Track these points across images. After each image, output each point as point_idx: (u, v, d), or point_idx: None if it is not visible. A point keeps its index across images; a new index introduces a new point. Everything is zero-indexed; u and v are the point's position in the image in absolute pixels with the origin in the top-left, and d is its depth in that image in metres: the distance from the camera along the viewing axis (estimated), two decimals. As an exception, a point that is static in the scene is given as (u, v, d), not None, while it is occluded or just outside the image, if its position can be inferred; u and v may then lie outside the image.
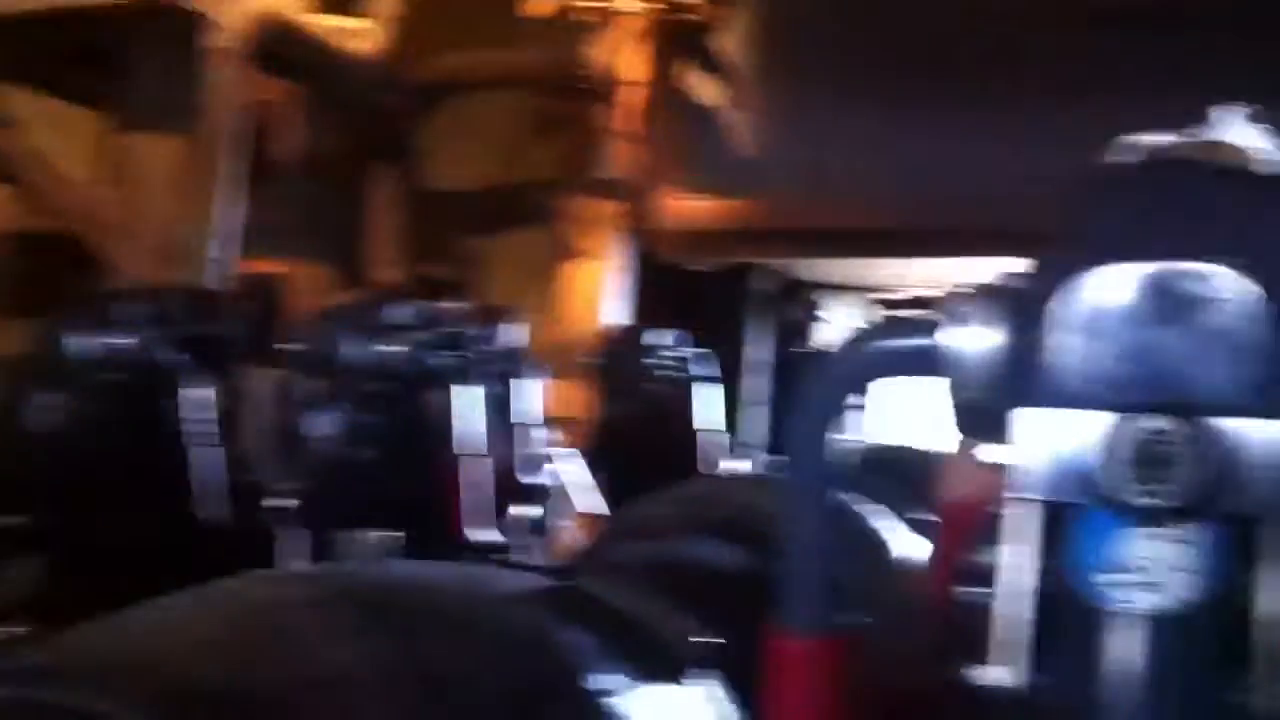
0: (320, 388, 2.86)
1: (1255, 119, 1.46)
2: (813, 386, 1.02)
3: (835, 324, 8.80)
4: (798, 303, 8.19)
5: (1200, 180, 1.00)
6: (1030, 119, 6.10)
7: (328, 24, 6.45)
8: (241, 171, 5.70)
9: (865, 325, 1.08)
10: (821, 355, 1.07)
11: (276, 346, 2.97)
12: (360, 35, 6.52)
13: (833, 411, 1.03)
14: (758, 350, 8.43)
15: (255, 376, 3.26)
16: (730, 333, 7.86)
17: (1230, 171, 1.27)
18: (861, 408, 8.71)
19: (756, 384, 8.31)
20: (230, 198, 5.60)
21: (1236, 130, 1.44)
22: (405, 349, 2.90)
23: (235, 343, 3.50)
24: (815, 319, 7.99)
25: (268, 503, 2.93)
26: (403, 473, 2.85)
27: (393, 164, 7.69)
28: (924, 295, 8.94)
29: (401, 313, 2.97)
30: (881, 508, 2.64)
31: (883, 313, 9.53)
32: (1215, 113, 1.45)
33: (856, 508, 2.56)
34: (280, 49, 5.89)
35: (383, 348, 2.89)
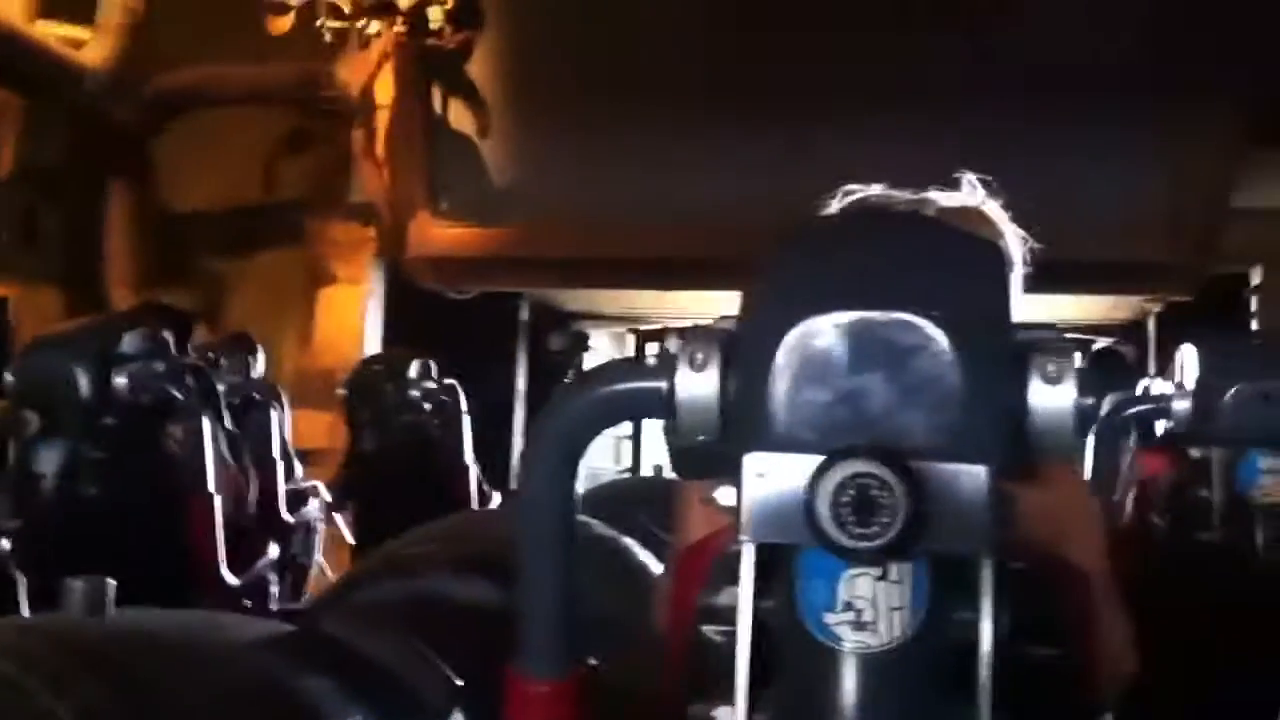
0: (45, 420, 2.70)
1: (980, 183, 1.57)
2: (544, 428, 1.03)
3: (598, 353, 8.89)
4: (559, 331, 8.23)
5: (900, 231, 1.06)
6: (778, 151, 6.33)
7: (52, 32, 6.11)
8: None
9: (594, 367, 1.09)
10: (555, 395, 1.06)
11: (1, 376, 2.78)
12: (89, 44, 6.20)
13: (564, 448, 1.03)
14: (520, 381, 8.44)
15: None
16: (491, 362, 7.84)
17: (928, 223, 1.35)
18: (630, 437, 8.84)
19: (522, 414, 8.31)
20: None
21: (964, 191, 1.54)
22: (141, 378, 2.76)
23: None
24: (579, 349, 8.05)
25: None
26: (135, 512, 2.72)
27: (127, 180, 7.33)
28: (679, 325, 9.15)
29: (137, 339, 2.82)
30: (637, 540, 2.66)
31: (640, 343, 9.70)
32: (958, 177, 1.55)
33: (610, 540, 2.58)
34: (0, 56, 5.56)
35: (116, 378, 2.75)
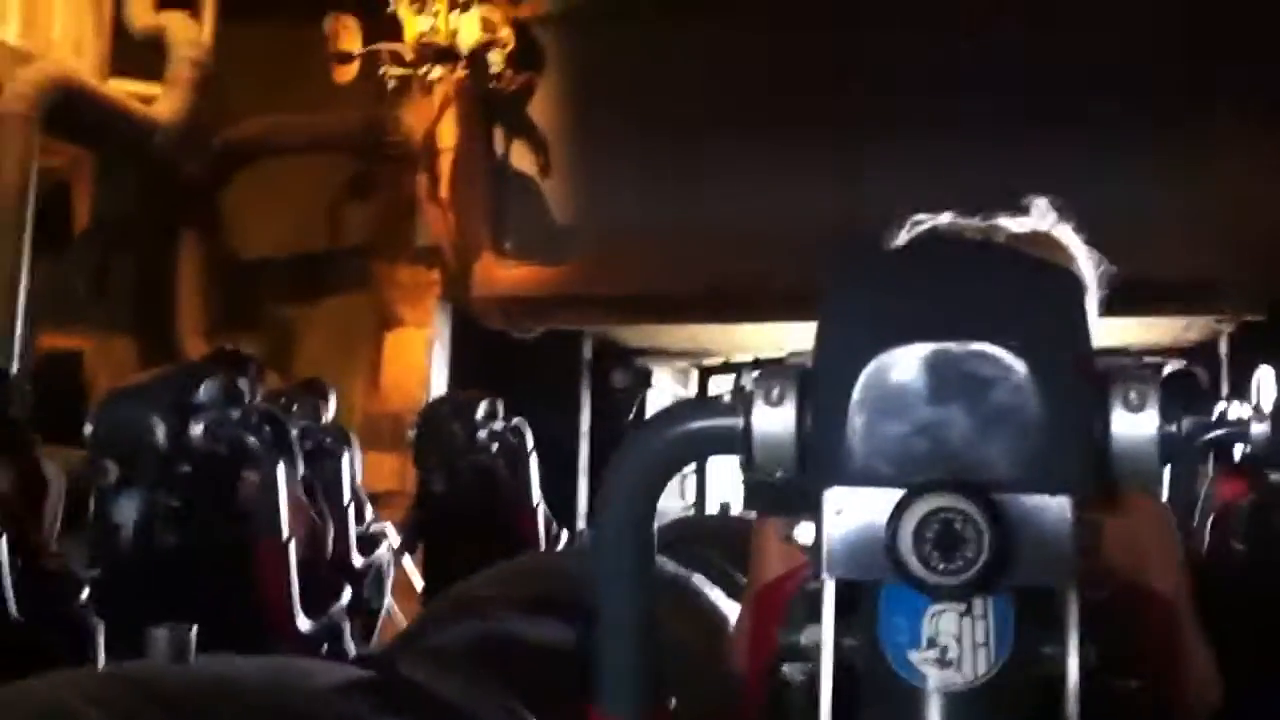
0: (123, 469, 2.74)
1: (1051, 206, 1.55)
2: (618, 470, 1.02)
3: (661, 389, 8.90)
4: (622, 368, 8.25)
5: (975, 260, 1.05)
6: (836, 185, 6.32)
7: (123, 88, 6.27)
8: (30, 240, 5.47)
9: (670, 405, 1.10)
10: (628, 434, 1.06)
11: (78, 424, 2.83)
12: (159, 100, 6.36)
13: (640, 489, 1.03)
14: (584, 419, 8.45)
15: (53, 458, 3.12)
16: (558, 401, 7.86)
17: (1002, 251, 1.34)
18: (696, 474, 8.83)
19: (587, 453, 8.32)
20: (18, 268, 5.36)
21: (1034, 216, 1.52)
22: (216, 427, 2.80)
23: (26, 423, 3.34)
24: (641, 386, 8.06)
25: (69, 593, 2.80)
26: (211, 559, 2.75)
27: (197, 231, 7.49)
28: (741, 361, 9.13)
29: (212, 388, 2.86)
30: (706, 578, 2.65)
31: (702, 379, 9.68)
32: (1024, 199, 1.54)
33: (680, 578, 2.57)
34: (71, 113, 5.70)
35: (192, 427, 2.79)
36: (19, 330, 5.33)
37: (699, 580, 2.58)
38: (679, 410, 1.02)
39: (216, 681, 1.44)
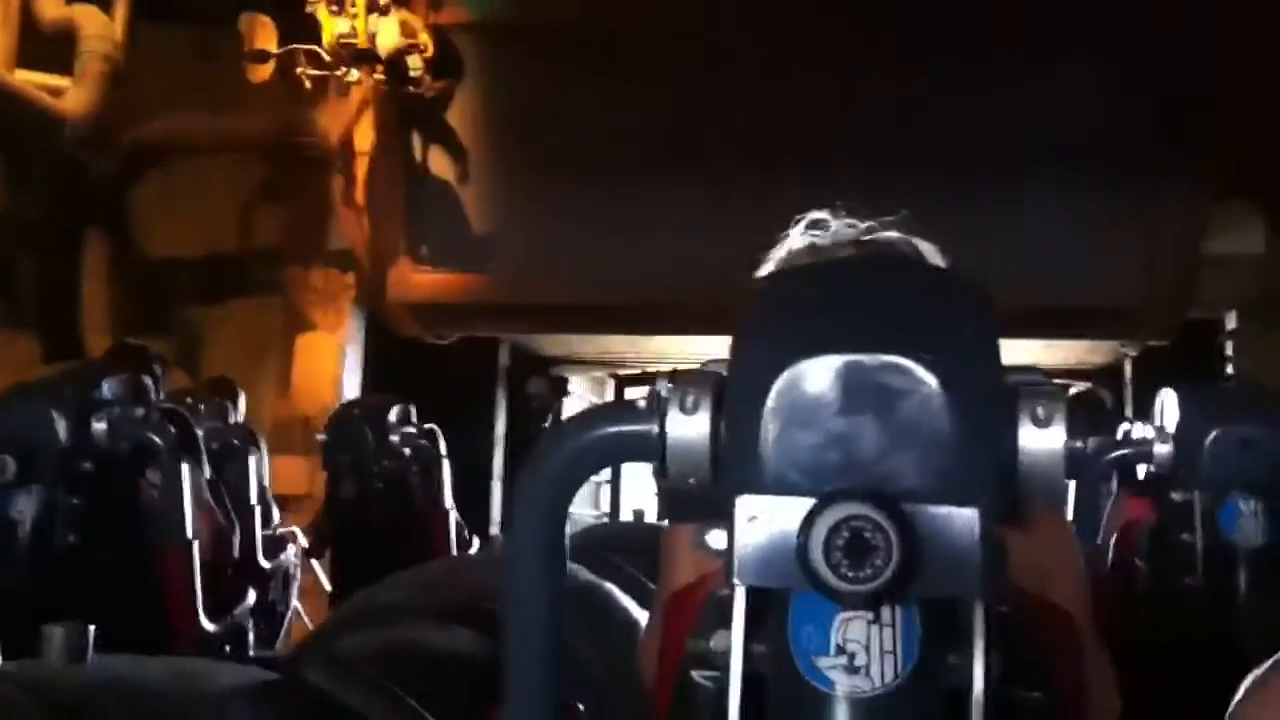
0: (22, 466, 2.67)
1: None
2: (531, 473, 1.02)
3: (577, 398, 8.90)
4: (538, 376, 8.23)
5: (885, 275, 1.06)
6: (748, 204, 6.37)
7: (30, 80, 6.10)
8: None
9: (583, 410, 1.09)
10: (538, 441, 1.06)
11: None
12: (68, 93, 6.20)
13: (552, 494, 1.02)
14: (500, 426, 8.42)
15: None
16: (473, 408, 7.82)
17: (916, 265, 1.36)
18: (609, 482, 8.82)
19: (501, 459, 8.29)
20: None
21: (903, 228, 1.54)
22: (119, 424, 2.74)
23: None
24: (558, 394, 8.05)
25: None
26: (112, 558, 2.69)
27: (104, 229, 7.32)
28: (657, 371, 9.17)
29: (115, 385, 2.80)
30: (618, 585, 2.65)
31: (619, 388, 9.70)
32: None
33: (592, 586, 2.57)
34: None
35: (94, 424, 2.72)
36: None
37: (610, 588, 2.58)
38: (593, 415, 1.02)
39: (113, 682, 1.41)
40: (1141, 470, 2.52)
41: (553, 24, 6.85)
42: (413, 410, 4.59)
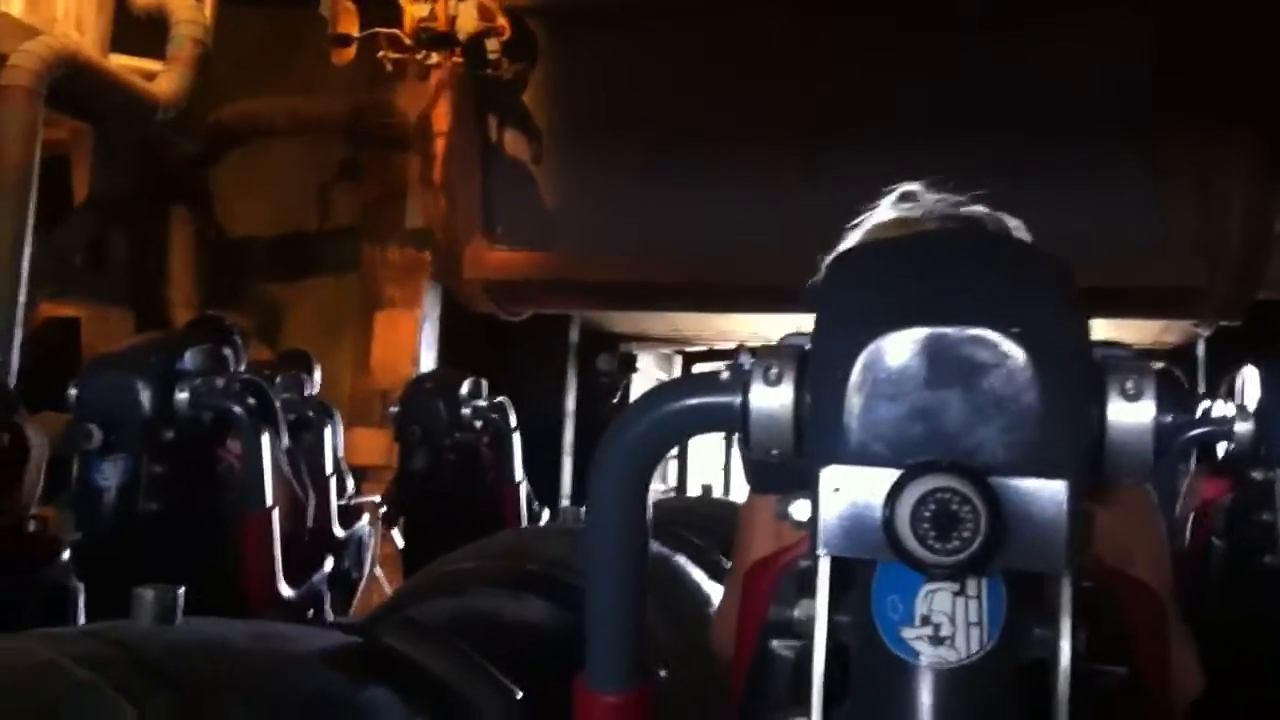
0: (107, 435, 2.73)
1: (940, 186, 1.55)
2: (614, 442, 1.03)
3: (645, 375, 8.92)
4: (608, 353, 8.27)
5: (971, 248, 1.06)
6: (818, 185, 6.34)
7: (125, 64, 6.24)
8: (32, 211, 5.45)
9: (666, 381, 1.10)
10: (623, 410, 1.06)
11: (66, 391, 2.82)
12: (160, 77, 6.33)
13: (635, 462, 1.03)
14: (569, 401, 8.48)
15: (41, 422, 3.10)
16: (542, 384, 7.88)
17: (997, 240, 1.35)
18: (677, 457, 8.85)
19: (571, 434, 8.36)
20: (22, 238, 5.35)
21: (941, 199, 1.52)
22: (201, 394, 2.79)
23: (21, 386, 3.31)
24: (626, 370, 8.08)
25: (49, 557, 2.79)
26: (194, 525, 2.74)
27: (189, 207, 7.49)
28: (723, 348, 9.17)
29: (198, 356, 2.85)
30: (690, 559, 2.66)
31: (686, 365, 9.70)
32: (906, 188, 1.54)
33: (666, 560, 2.58)
34: (73, 88, 5.68)
35: (177, 393, 2.77)
36: (21, 298, 5.31)
37: (680, 560, 2.59)
38: (678, 386, 1.03)
39: (201, 643, 1.45)
40: (1221, 448, 2.49)
41: (623, 5, 6.86)
42: (484, 384, 4.63)
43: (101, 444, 2.71)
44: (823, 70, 6.54)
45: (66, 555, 2.92)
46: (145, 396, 2.75)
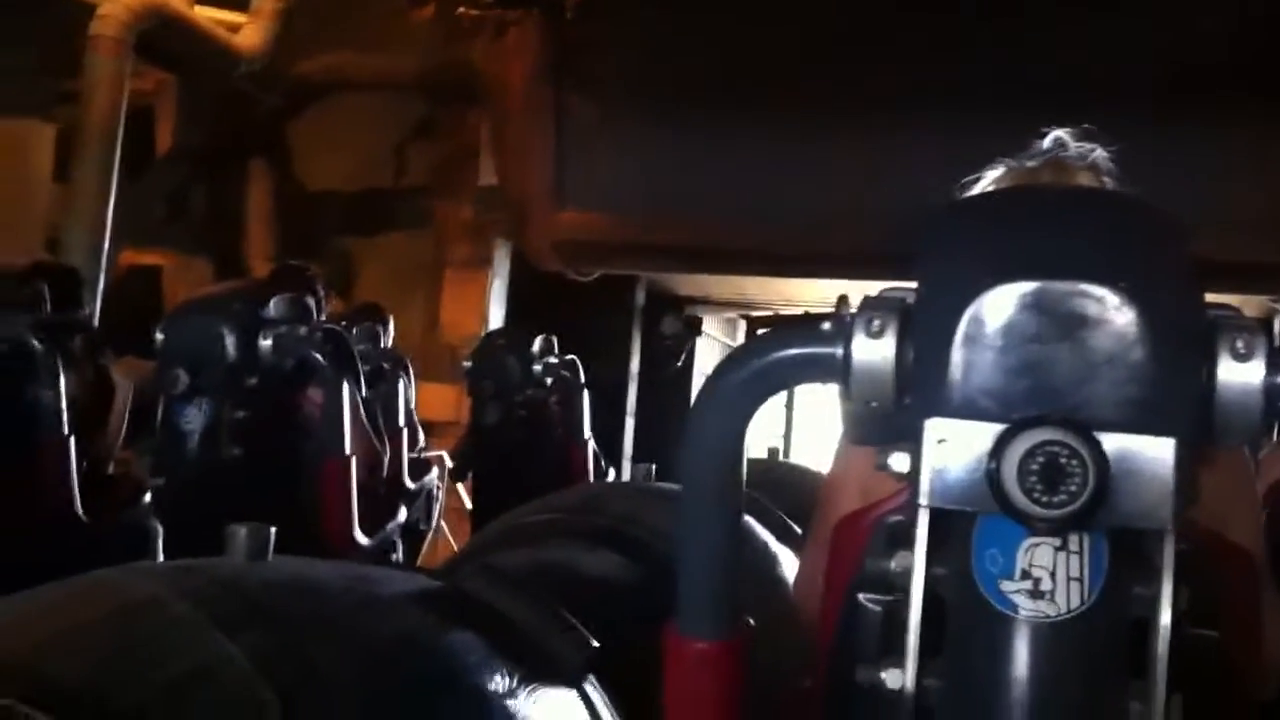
0: (192, 379, 2.78)
1: (1089, 138, 1.54)
2: (714, 389, 1.03)
3: (709, 339, 8.92)
4: (672, 315, 8.27)
5: (1080, 203, 1.05)
6: (887, 153, 6.28)
7: (210, 16, 6.31)
8: (117, 160, 5.55)
9: (766, 332, 1.10)
10: (725, 358, 1.07)
11: (151, 336, 2.87)
12: (244, 29, 6.40)
13: (735, 410, 1.03)
14: (634, 362, 8.51)
15: (127, 367, 3.17)
16: (609, 344, 7.91)
17: (1107, 195, 1.33)
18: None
19: (634, 394, 8.39)
20: (108, 186, 5.45)
21: (1076, 149, 1.51)
22: (284, 342, 2.83)
23: (105, 331, 3.38)
24: (691, 333, 8.08)
25: (139, 496, 2.85)
26: (275, 471, 2.79)
27: (267, 161, 7.57)
28: (789, 313, 9.13)
29: (281, 305, 2.89)
30: (759, 520, 2.67)
31: (750, 329, 9.67)
32: (1055, 132, 1.52)
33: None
34: (160, 39, 5.76)
35: (261, 340, 2.82)
36: (106, 245, 5.42)
37: (749, 521, 2.60)
38: (778, 336, 1.03)
39: (293, 580, 1.48)
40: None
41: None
42: (554, 342, 4.65)
43: (186, 389, 2.76)
44: (894, 37, 6.46)
45: (148, 498, 2.99)
46: (230, 342, 2.79)
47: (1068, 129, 1.46)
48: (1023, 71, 6.13)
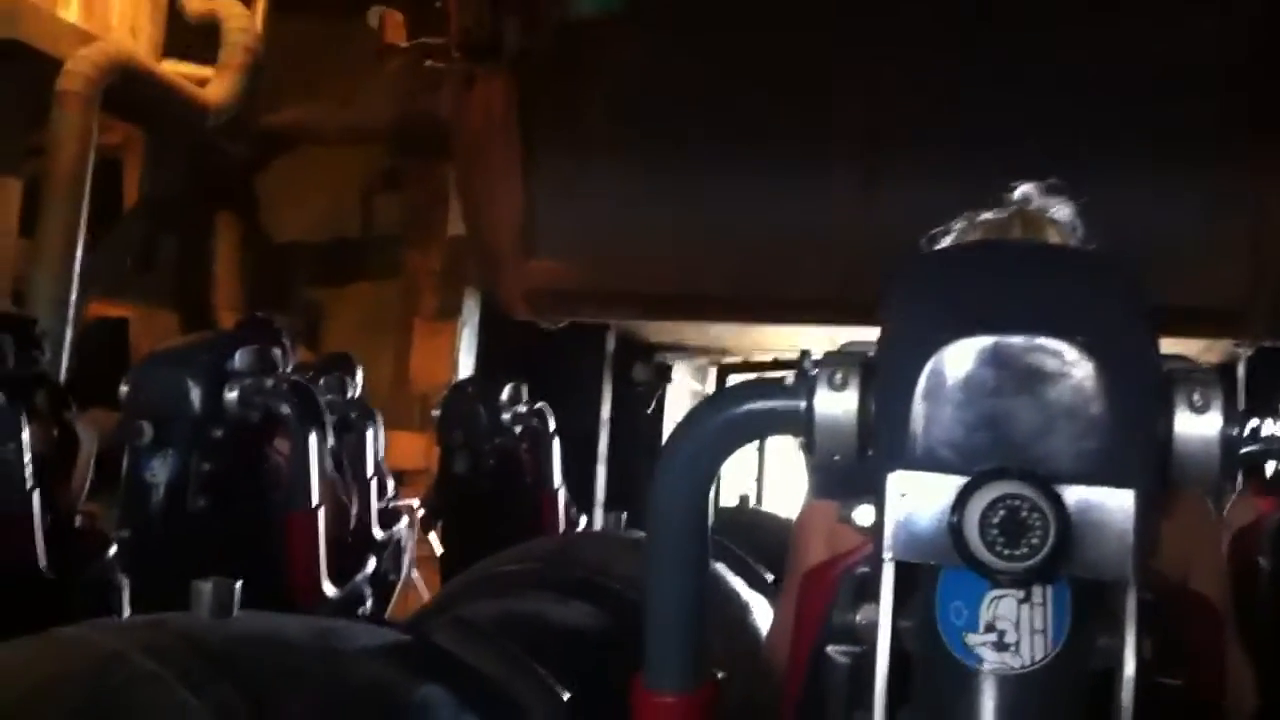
0: (158, 431, 2.76)
1: (1055, 192, 1.57)
2: (678, 444, 1.04)
3: (680, 384, 8.93)
4: (644, 362, 8.28)
5: (1037, 258, 1.06)
6: (859, 195, 6.33)
7: (176, 70, 6.34)
8: (84, 213, 5.54)
9: (730, 386, 1.11)
10: (688, 413, 1.08)
11: (118, 388, 2.86)
12: (211, 83, 6.42)
13: (699, 465, 1.04)
14: (605, 409, 8.49)
15: (92, 419, 3.15)
16: (580, 390, 7.90)
17: (1063, 249, 1.35)
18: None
19: (606, 441, 8.37)
20: (74, 239, 5.44)
21: (1042, 202, 1.53)
22: (250, 394, 2.82)
23: (70, 383, 3.36)
24: (661, 380, 8.09)
25: (103, 551, 2.82)
26: (240, 523, 2.77)
27: (235, 212, 7.56)
28: (759, 360, 9.16)
29: (247, 356, 2.88)
30: (730, 568, 2.67)
31: (720, 376, 9.70)
32: (1023, 186, 1.55)
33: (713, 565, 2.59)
34: (127, 93, 5.77)
35: (227, 392, 2.81)
36: (73, 297, 5.40)
37: (720, 566, 2.60)
38: (740, 390, 1.04)
39: (259, 636, 1.47)
40: (1270, 466, 2.48)
41: (663, 18, 6.87)
42: (524, 390, 4.65)
43: (152, 441, 2.74)
44: (878, 78, 6.51)
45: (113, 550, 2.96)
46: (196, 394, 2.78)
47: (1034, 182, 1.49)
48: (997, 117, 6.20)
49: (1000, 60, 6.32)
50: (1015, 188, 1.50)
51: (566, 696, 1.66)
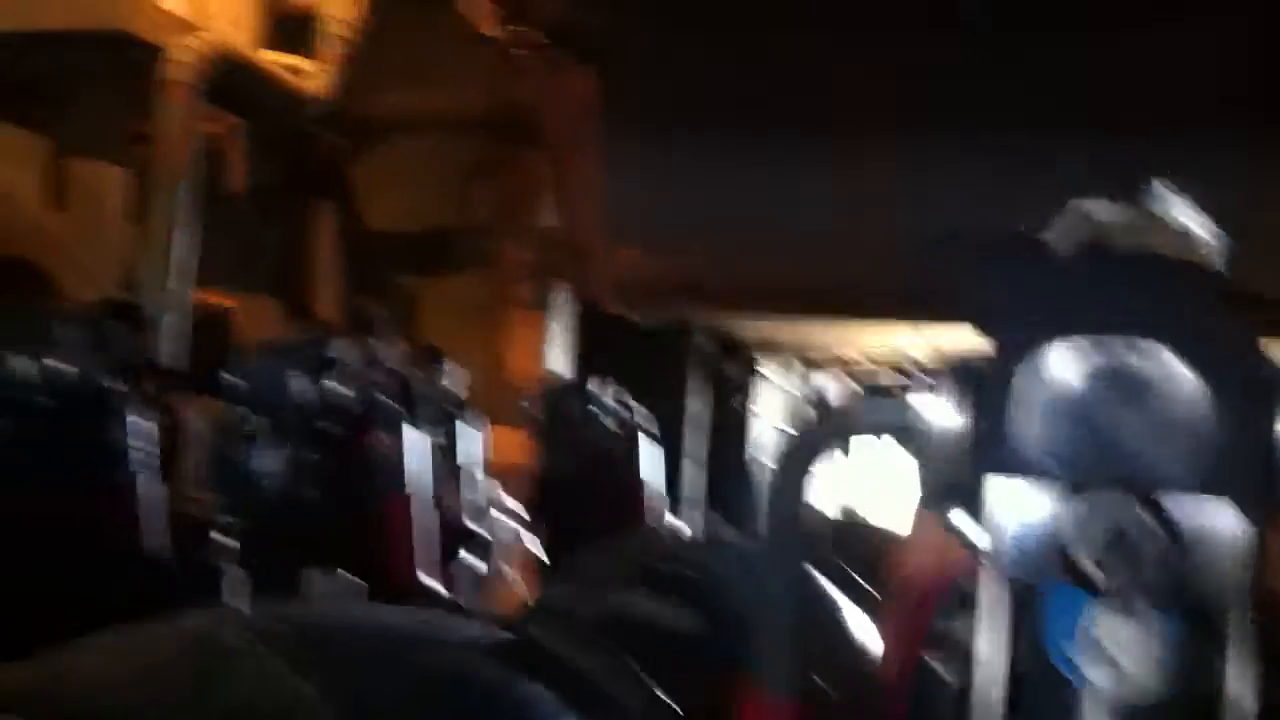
0: (264, 423, 2.84)
1: (1177, 192, 1.53)
2: (790, 451, 1.05)
3: (772, 384, 8.89)
4: (737, 361, 8.26)
5: (1145, 265, 1.05)
6: (947, 189, 6.24)
7: (276, 61, 6.46)
8: (190, 202, 5.67)
9: (842, 397, 1.12)
10: (800, 422, 1.09)
11: (222, 379, 2.94)
12: (308, 74, 6.53)
13: (808, 479, 1.05)
14: (696, 406, 8.49)
15: (199, 408, 3.23)
16: (669, 388, 7.90)
17: (1170, 255, 1.33)
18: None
19: (695, 440, 8.36)
20: (180, 228, 5.57)
21: (1167, 204, 1.50)
22: (350, 385, 2.88)
23: (180, 373, 3.46)
24: (753, 378, 8.06)
25: (210, 538, 2.90)
26: (345, 513, 2.83)
27: (331, 201, 7.67)
28: (848, 358, 9.09)
29: (347, 351, 2.95)
30: (831, 580, 2.66)
31: (809, 374, 9.64)
32: (1152, 187, 1.52)
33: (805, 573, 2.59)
34: (229, 83, 5.89)
35: (329, 384, 2.87)
36: (180, 286, 5.54)
37: (822, 581, 2.59)
38: (851, 400, 1.05)
39: (367, 624, 1.51)
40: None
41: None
42: (616, 385, 4.68)
43: (258, 431, 2.82)
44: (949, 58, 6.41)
45: (219, 538, 3.04)
46: (299, 385, 2.85)
47: (1160, 180, 1.46)
48: (1054, 103, 6.07)
49: (1046, 53, 6.17)
50: (1144, 186, 1.47)
51: (663, 696, 1.68)
